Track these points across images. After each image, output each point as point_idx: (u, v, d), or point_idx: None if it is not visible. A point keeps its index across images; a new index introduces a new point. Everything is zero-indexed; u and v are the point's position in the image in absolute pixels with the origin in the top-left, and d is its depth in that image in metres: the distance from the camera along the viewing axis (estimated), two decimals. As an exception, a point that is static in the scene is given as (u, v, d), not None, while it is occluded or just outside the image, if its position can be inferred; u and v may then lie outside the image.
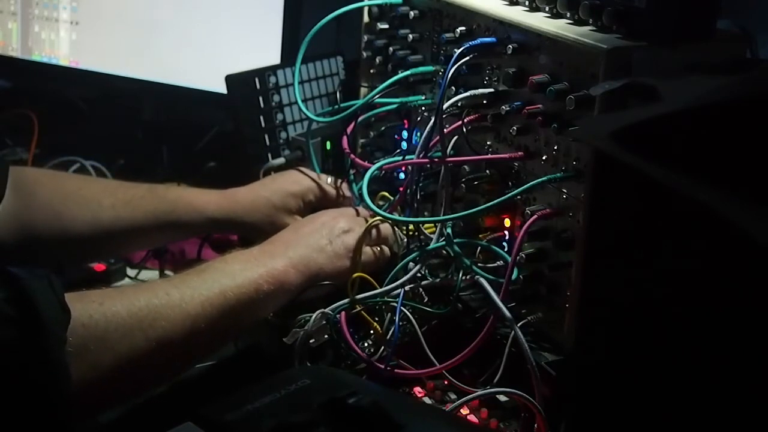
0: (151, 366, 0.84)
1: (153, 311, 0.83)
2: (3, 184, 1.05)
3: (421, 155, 0.98)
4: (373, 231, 1.04)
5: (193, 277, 0.90)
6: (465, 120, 0.97)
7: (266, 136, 1.31)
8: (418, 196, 1.01)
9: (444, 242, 0.97)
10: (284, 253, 0.97)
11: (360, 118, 1.12)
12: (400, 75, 1.07)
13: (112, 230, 1.11)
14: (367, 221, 1.04)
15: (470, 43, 0.96)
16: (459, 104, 0.98)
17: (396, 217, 1.04)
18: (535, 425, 0.87)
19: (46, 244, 1.09)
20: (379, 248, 1.05)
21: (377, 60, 1.17)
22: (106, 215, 1.10)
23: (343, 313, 0.96)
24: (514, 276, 0.91)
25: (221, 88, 1.29)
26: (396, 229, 1.07)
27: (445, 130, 0.96)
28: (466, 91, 0.97)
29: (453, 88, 1.00)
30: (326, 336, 0.97)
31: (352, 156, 1.10)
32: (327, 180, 1.18)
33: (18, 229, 1.07)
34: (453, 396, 0.93)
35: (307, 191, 1.15)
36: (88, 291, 0.84)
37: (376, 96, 1.09)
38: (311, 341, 0.97)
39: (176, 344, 0.85)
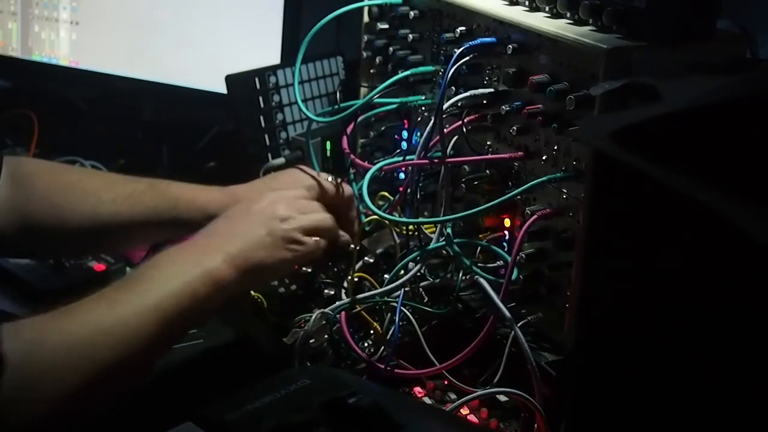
0: (97, 393, 0.82)
1: (89, 342, 0.81)
2: None
3: (421, 155, 0.98)
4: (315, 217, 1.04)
5: (126, 291, 0.87)
6: (465, 120, 0.97)
7: (266, 136, 1.31)
8: (418, 196, 1.01)
9: (444, 242, 0.97)
10: (220, 248, 0.94)
11: (360, 118, 1.12)
12: (400, 75, 1.07)
13: (112, 225, 1.09)
14: (322, 187, 1.08)
15: (470, 43, 0.96)
16: (459, 104, 0.98)
17: (396, 217, 1.04)
18: (535, 425, 0.87)
19: (44, 236, 1.09)
20: (315, 240, 1.02)
21: (377, 60, 1.17)
22: (106, 209, 1.09)
23: (343, 313, 0.96)
24: (514, 276, 0.91)
25: (221, 88, 1.29)
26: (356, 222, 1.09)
27: (445, 130, 0.96)
28: (466, 91, 0.97)
29: (453, 88, 1.00)
30: (326, 336, 0.97)
31: (352, 156, 1.10)
32: (328, 179, 1.18)
33: (16, 221, 1.06)
34: (453, 396, 0.93)
35: (308, 190, 1.15)
36: (22, 322, 0.82)
37: (376, 96, 1.08)
38: (311, 341, 0.97)
39: (118, 368, 0.82)
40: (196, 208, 1.11)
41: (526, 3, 0.96)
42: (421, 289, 0.99)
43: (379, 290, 0.97)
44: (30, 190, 1.08)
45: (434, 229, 0.99)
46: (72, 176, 1.13)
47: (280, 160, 1.26)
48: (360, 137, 1.21)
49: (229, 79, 1.28)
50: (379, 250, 1.10)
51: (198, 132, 1.63)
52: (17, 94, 1.78)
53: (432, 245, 0.98)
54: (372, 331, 0.97)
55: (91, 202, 1.09)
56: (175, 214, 1.11)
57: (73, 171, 1.20)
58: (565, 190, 0.88)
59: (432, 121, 0.97)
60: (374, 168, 1.02)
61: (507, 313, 0.88)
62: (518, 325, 0.88)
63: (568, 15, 0.90)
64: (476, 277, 0.94)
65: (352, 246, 1.04)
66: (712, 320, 0.75)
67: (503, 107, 0.93)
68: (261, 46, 1.46)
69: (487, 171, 0.97)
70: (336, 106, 1.16)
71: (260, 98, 1.30)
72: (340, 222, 1.16)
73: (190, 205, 1.11)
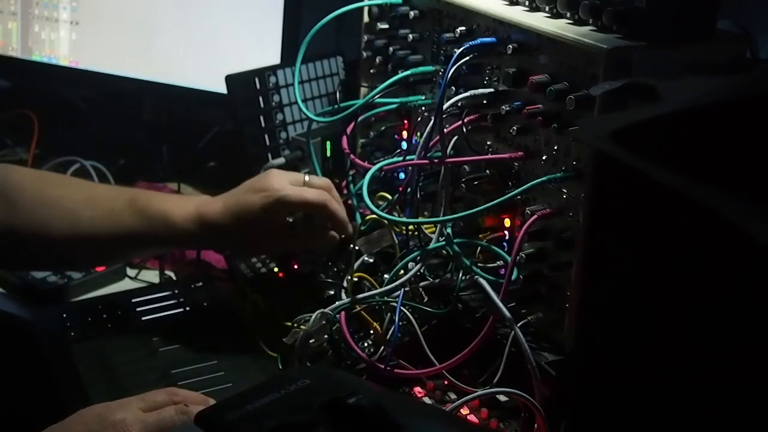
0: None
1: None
2: None
3: (421, 155, 0.98)
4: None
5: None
6: (465, 120, 0.97)
7: (266, 136, 1.31)
8: (418, 196, 1.01)
9: (444, 242, 0.97)
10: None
11: (360, 118, 1.12)
12: (400, 75, 1.07)
13: (93, 242, 1.09)
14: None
15: (470, 43, 0.96)
16: (459, 104, 0.98)
17: (395, 218, 1.04)
18: (535, 425, 0.87)
19: (30, 250, 1.10)
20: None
21: (377, 60, 1.17)
22: (86, 227, 1.08)
23: (343, 313, 0.96)
24: (514, 276, 0.91)
25: (221, 88, 1.29)
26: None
27: (445, 130, 0.96)
28: (466, 91, 0.97)
29: (453, 88, 1.00)
30: (326, 336, 0.97)
31: (352, 156, 1.10)
32: (306, 178, 1.11)
33: (2, 233, 1.07)
34: (453, 396, 0.93)
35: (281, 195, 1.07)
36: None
37: (376, 96, 1.08)
38: (311, 341, 0.97)
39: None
40: (172, 226, 1.07)
41: (526, 3, 0.96)
42: (421, 289, 0.99)
43: (379, 290, 0.97)
44: (14, 204, 1.08)
45: (434, 229, 0.99)
46: (55, 191, 1.12)
47: (280, 160, 1.26)
48: (360, 137, 1.21)
49: (229, 79, 1.28)
50: (376, 250, 1.09)
51: (198, 132, 1.63)
52: (17, 94, 1.78)
53: (432, 245, 0.98)
54: (372, 331, 0.97)
55: (71, 219, 1.08)
56: (152, 235, 1.08)
57: (57, 185, 1.15)
58: (565, 190, 0.88)
59: (432, 121, 0.97)
60: (374, 168, 1.02)
61: (507, 313, 0.88)
62: (518, 325, 0.88)
63: (568, 15, 0.90)
64: (476, 277, 0.94)
65: (352, 246, 1.04)
66: (713, 320, 0.75)
67: (503, 107, 0.93)
68: (261, 46, 1.46)
69: (487, 171, 0.97)
70: (336, 106, 1.16)
71: (260, 98, 1.30)
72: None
73: (165, 223, 1.08)
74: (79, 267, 1.26)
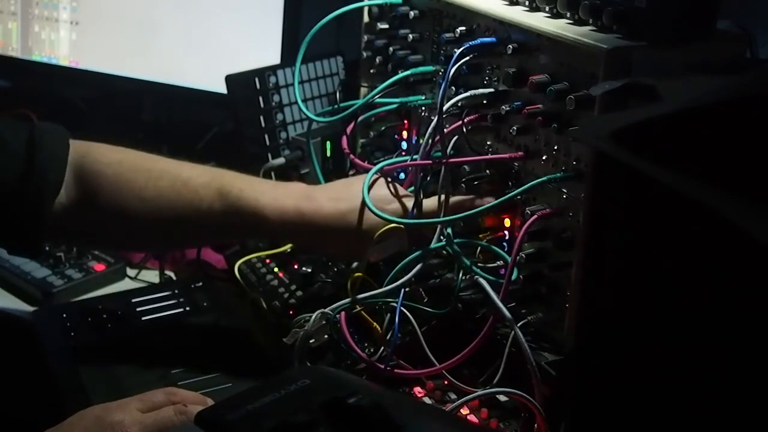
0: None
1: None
2: (62, 169, 1.03)
3: (423, 155, 0.98)
4: None
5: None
6: (465, 120, 0.97)
7: (266, 136, 1.31)
8: (420, 197, 1.01)
9: (444, 242, 0.97)
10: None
11: (360, 118, 1.12)
12: (400, 75, 1.07)
13: (176, 231, 1.07)
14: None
15: (470, 43, 0.96)
16: (459, 104, 0.98)
17: (396, 219, 1.04)
18: (535, 425, 0.87)
19: (109, 232, 1.08)
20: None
21: (377, 60, 1.17)
22: (169, 216, 1.04)
23: (343, 313, 0.96)
24: (514, 276, 0.91)
25: (221, 88, 1.29)
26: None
27: (445, 130, 0.96)
28: (466, 91, 0.97)
29: (453, 88, 1.00)
30: (326, 336, 0.97)
31: (352, 156, 1.10)
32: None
33: (83, 222, 1.05)
34: (453, 396, 0.93)
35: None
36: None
37: (376, 96, 1.08)
38: (311, 341, 0.97)
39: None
40: (264, 222, 1.03)
41: (526, 3, 0.96)
42: (421, 289, 0.99)
43: (379, 290, 0.97)
44: (94, 187, 1.04)
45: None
46: (138, 178, 1.05)
47: (280, 160, 1.26)
48: (360, 137, 1.21)
49: (229, 79, 1.28)
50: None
51: (198, 132, 1.63)
52: (17, 94, 1.78)
53: (432, 245, 0.98)
54: (372, 331, 0.97)
55: (153, 208, 1.04)
56: (241, 227, 1.05)
57: (140, 169, 1.07)
58: (565, 190, 0.88)
59: (432, 122, 0.97)
60: (375, 168, 1.02)
61: (507, 313, 0.88)
62: (518, 325, 0.88)
63: (568, 15, 0.90)
64: (476, 277, 0.94)
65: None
66: (713, 320, 0.75)
67: (503, 107, 0.93)
68: (261, 46, 1.46)
69: (487, 171, 0.97)
70: (336, 106, 1.16)
71: (260, 98, 1.30)
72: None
73: (257, 219, 1.03)
74: (158, 251, 1.29)
